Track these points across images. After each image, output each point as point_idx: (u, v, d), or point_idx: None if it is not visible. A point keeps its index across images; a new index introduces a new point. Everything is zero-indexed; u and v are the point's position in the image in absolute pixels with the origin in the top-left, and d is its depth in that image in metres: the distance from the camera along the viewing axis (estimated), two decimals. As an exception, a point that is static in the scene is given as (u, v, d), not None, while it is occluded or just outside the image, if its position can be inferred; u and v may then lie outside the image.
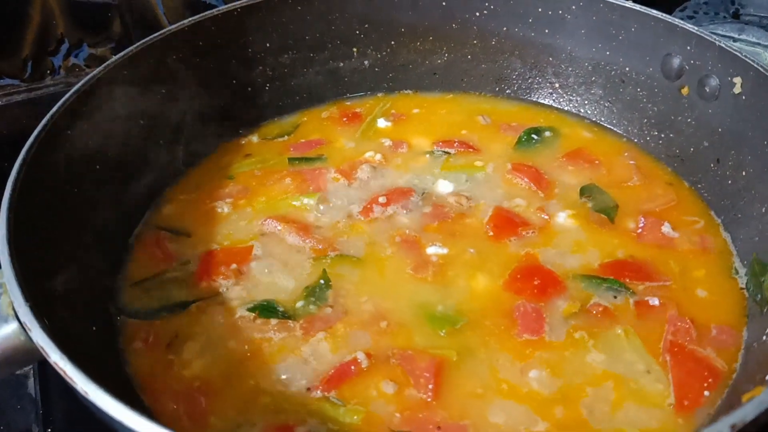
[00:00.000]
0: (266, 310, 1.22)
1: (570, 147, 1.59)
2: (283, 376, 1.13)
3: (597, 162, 1.54)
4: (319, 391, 1.10)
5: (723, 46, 1.40)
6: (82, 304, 1.16)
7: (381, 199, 1.43)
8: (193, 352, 1.17)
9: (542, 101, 1.72)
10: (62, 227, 1.20)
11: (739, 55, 1.36)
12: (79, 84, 1.31)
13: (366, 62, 1.75)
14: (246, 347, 1.17)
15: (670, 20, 1.49)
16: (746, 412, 0.77)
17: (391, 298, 1.25)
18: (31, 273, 0.99)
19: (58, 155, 1.24)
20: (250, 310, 1.23)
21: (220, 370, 1.14)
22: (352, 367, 1.13)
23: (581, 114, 1.69)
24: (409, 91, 1.78)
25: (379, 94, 1.77)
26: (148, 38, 1.45)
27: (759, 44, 1.69)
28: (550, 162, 1.55)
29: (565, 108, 1.71)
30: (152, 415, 1.08)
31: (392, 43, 1.74)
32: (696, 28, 1.45)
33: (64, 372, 0.85)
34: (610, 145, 1.61)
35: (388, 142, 1.59)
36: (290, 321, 1.20)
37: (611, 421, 1.07)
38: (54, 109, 1.25)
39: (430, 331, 1.19)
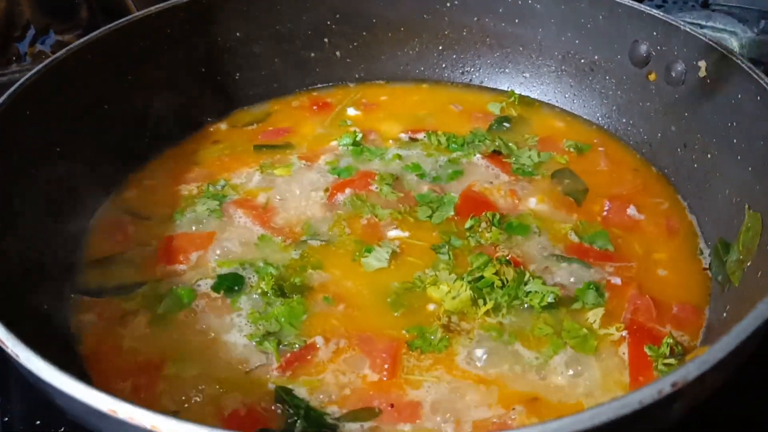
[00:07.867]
0: (231, 290, 1.21)
1: (541, 134, 1.58)
2: (239, 358, 1.11)
3: (567, 149, 1.54)
4: (275, 373, 1.09)
5: (688, 30, 1.39)
6: (35, 282, 1.16)
7: (345, 184, 1.42)
8: (145, 331, 1.16)
9: (514, 90, 1.71)
10: (20, 206, 1.19)
11: (702, 38, 1.36)
12: (41, 65, 1.30)
13: (337, 53, 1.74)
14: (202, 328, 1.16)
15: (636, 6, 1.48)
16: (688, 370, 0.75)
17: (351, 280, 1.24)
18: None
19: (18, 136, 1.22)
20: (215, 288, 1.22)
21: (173, 349, 1.12)
22: (310, 353, 1.11)
23: (552, 102, 1.68)
24: (381, 81, 1.77)
25: (351, 84, 1.76)
26: (113, 23, 1.45)
27: (725, 30, 1.69)
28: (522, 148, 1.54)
29: (536, 96, 1.70)
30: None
31: (364, 34, 1.74)
32: (662, 14, 1.45)
33: (4, 343, 0.83)
34: (580, 133, 1.59)
35: (357, 130, 1.58)
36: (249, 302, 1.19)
37: (564, 394, 1.06)
38: (13, 88, 1.23)
39: (386, 313, 1.18)
